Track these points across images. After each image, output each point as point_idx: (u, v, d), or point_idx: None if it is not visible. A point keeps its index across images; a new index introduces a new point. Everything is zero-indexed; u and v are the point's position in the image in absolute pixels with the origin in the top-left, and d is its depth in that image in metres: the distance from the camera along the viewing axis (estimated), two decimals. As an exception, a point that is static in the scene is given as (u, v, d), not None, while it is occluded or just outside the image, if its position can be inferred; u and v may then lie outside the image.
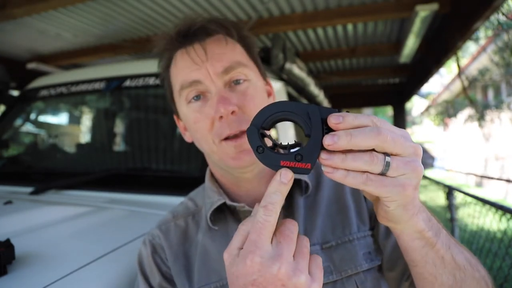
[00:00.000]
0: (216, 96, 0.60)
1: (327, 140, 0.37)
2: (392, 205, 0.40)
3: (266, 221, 0.38)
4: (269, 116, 0.42)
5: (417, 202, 0.42)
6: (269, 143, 0.44)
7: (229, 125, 0.59)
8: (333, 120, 0.37)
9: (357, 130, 0.37)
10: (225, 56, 0.63)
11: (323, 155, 0.38)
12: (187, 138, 0.74)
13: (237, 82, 0.63)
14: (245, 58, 0.66)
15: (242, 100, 0.61)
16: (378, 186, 0.37)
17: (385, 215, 0.42)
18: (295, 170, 0.40)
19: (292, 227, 0.41)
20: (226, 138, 0.60)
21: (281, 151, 0.43)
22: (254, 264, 0.38)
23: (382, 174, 0.37)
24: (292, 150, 0.41)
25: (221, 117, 0.59)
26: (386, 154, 0.37)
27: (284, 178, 0.39)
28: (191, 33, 0.64)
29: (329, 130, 0.39)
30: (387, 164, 0.37)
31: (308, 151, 0.39)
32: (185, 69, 0.63)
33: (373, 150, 0.37)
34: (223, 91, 0.61)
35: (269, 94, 0.73)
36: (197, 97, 0.63)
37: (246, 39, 0.69)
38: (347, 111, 0.39)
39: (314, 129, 0.39)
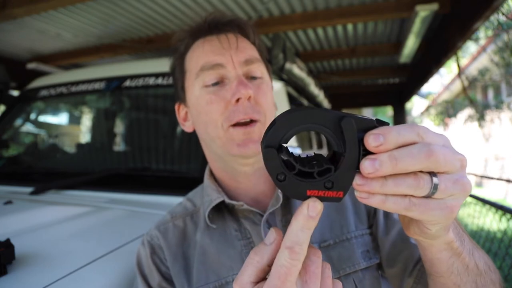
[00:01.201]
0: (237, 79, 0.62)
1: (367, 168, 0.30)
2: (434, 228, 0.36)
3: (293, 266, 0.32)
4: (290, 130, 0.32)
5: None
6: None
7: (244, 109, 0.61)
8: (372, 142, 0.30)
9: (403, 151, 0.30)
10: (248, 50, 0.67)
11: (359, 181, 0.31)
12: (187, 128, 0.74)
13: (253, 77, 0.66)
14: (260, 59, 0.70)
15: (257, 92, 0.64)
16: (423, 211, 0.32)
17: (421, 233, 0.37)
18: (324, 199, 0.33)
19: (317, 260, 0.35)
20: (235, 124, 0.61)
21: (304, 170, 0.33)
22: None
23: (428, 196, 0.32)
24: (319, 172, 0.33)
25: (237, 100, 0.61)
26: (432, 173, 0.31)
27: (313, 212, 0.32)
28: (224, 24, 0.68)
29: (366, 150, 0.31)
30: (435, 187, 0.31)
31: (340, 177, 0.32)
32: (211, 52, 0.65)
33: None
34: (243, 76, 0.64)
35: None
36: (215, 83, 0.64)
37: (261, 44, 0.74)
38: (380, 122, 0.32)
39: (348, 148, 0.31)
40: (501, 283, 0.51)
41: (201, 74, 0.64)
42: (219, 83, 0.64)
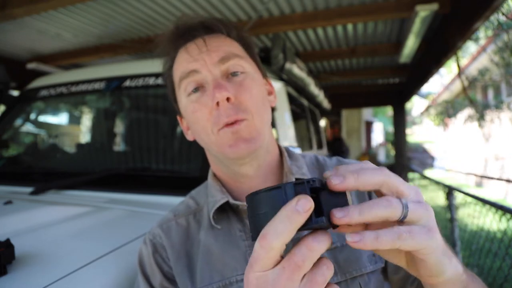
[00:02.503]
0: (212, 83, 0.61)
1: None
2: (431, 257, 0.37)
3: (259, 255, 0.33)
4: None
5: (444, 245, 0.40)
6: None
7: (225, 112, 0.59)
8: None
9: (361, 176, 0.35)
10: (221, 48, 0.64)
11: (337, 214, 0.33)
12: (189, 136, 0.73)
13: (234, 74, 0.63)
14: (242, 53, 0.67)
15: (238, 89, 0.61)
16: (412, 236, 0.34)
17: (430, 271, 0.39)
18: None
19: (327, 272, 0.34)
20: (223, 126, 0.60)
21: None
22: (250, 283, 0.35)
23: (402, 221, 0.35)
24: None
25: (217, 104, 0.59)
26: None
27: (300, 207, 0.32)
28: (191, 29, 0.65)
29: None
30: (406, 206, 0.35)
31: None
32: (184, 62, 0.64)
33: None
34: (219, 79, 0.62)
35: (270, 93, 0.73)
36: (196, 89, 0.63)
37: (245, 38, 0.70)
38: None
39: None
40: None
41: (181, 84, 0.64)
42: (199, 89, 0.63)
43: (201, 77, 0.62)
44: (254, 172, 0.66)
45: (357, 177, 0.35)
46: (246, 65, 0.65)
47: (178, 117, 0.75)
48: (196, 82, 0.63)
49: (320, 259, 0.34)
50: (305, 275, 0.34)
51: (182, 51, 0.65)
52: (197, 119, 0.63)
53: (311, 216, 0.32)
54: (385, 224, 0.37)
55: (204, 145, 0.67)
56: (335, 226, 0.35)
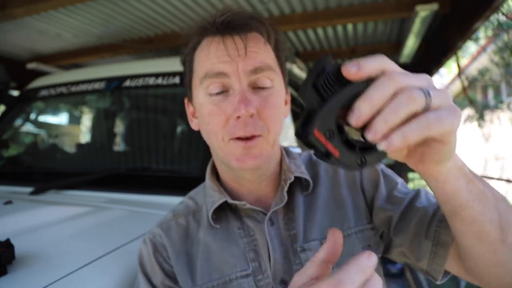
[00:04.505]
0: (239, 95, 0.57)
1: (352, 116, 0.32)
2: (453, 137, 0.36)
3: None
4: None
5: None
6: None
7: (244, 126, 0.57)
8: (351, 69, 0.33)
9: (371, 89, 0.33)
10: (258, 55, 0.60)
11: (367, 133, 0.32)
12: (194, 125, 0.71)
13: (262, 86, 0.60)
14: (275, 64, 0.63)
15: (263, 105, 0.59)
16: (441, 120, 0.33)
17: (438, 156, 0.38)
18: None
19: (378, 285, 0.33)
20: (237, 138, 0.59)
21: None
22: None
23: (426, 108, 0.33)
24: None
25: (238, 117, 0.57)
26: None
27: (371, 262, 0.32)
28: (233, 24, 0.60)
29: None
30: (427, 93, 0.33)
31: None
32: (215, 58, 0.59)
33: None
34: (247, 90, 0.58)
35: (286, 102, 0.71)
36: (219, 92, 0.60)
37: (279, 43, 0.66)
38: None
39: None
40: None
41: (204, 81, 0.60)
42: (223, 91, 0.59)
43: (229, 82, 0.59)
44: (255, 178, 0.66)
45: (370, 97, 0.32)
46: (276, 79, 0.62)
47: (185, 100, 0.72)
48: (222, 85, 0.59)
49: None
50: None
51: (218, 42, 0.60)
52: (212, 122, 0.60)
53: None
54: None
55: (209, 144, 0.66)
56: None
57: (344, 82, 0.33)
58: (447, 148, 0.37)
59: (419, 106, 0.32)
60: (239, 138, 0.58)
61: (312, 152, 0.73)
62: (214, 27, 0.60)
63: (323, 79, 0.33)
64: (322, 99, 0.33)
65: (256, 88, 0.60)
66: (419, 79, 0.34)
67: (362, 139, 0.34)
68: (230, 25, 0.59)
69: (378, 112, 0.32)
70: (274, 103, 0.60)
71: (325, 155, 0.35)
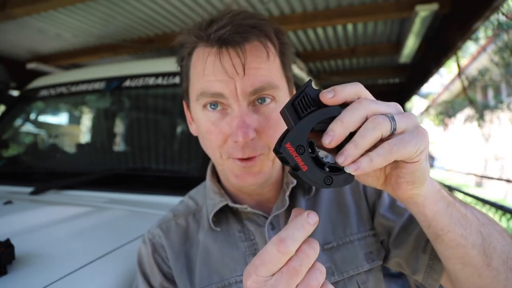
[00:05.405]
0: (237, 119, 0.53)
1: (325, 140, 0.35)
2: (422, 157, 0.37)
3: (278, 259, 0.35)
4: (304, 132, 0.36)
5: None
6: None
7: (242, 149, 0.55)
8: (327, 95, 0.37)
9: (343, 113, 0.36)
10: (259, 72, 0.54)
11: (338, 158, 0.35)
12: (193, 130, 0.69)
13: (263, 100, 0.56)
14: (279, 77, 0.59)
15: (263, 125, 0.55)
16: (404, 144, 0.35)
17: (412, 177, 0.40)
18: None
19: (320, 276, 0.36)
20: (235, 158, 0.57)
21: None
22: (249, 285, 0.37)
23: (392, 134, 0.36)
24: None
25: (235, 141, 0.55)
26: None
27: (311, 219, 0.36)
28: (228, 33, 0.53)
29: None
30: (392, 118, 0.36)
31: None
32: (212, 75, 0.54)
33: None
34: (246, 113, 0.54)
35: None
36: (215, 105, 0.56)
37: (285, 48, 0.62)
38: None
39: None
40: (507, 232, 0.50)
41: (201, 99, 0.56)
42: (220, 107, 0.56)
43: (226, 102, 0.55)
44: (256, 189, 0.65)
45: (342, 121, 0.35)
46: (279, 94, 0.58)
47: (184, 104, 0.69)
48: (220, 103, 0.56)
49: (313, 264, 0.36)
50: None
51: (215, 55, 0.54)
52: (210, 140, 0.58)
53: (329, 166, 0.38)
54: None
55: (208, 155, 0.65)
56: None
57: (322, 106, 0.37)
58: (418, 167, 0.38)
59: (384, 130, 0.35)
60: (238, 159, 0.57)
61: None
62: (209, 37, 0.54)
63: (301, 100, 0.37)
64: (299, 118, 0.37)
65: (256, 103, 0.56)
66: (386, 106, 0.37)
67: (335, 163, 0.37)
68: (227, 41, 0.53)
69: (350, 137, 0.35)
70: (276, 120, 0.56)
71: (294, 169, 0.37)
